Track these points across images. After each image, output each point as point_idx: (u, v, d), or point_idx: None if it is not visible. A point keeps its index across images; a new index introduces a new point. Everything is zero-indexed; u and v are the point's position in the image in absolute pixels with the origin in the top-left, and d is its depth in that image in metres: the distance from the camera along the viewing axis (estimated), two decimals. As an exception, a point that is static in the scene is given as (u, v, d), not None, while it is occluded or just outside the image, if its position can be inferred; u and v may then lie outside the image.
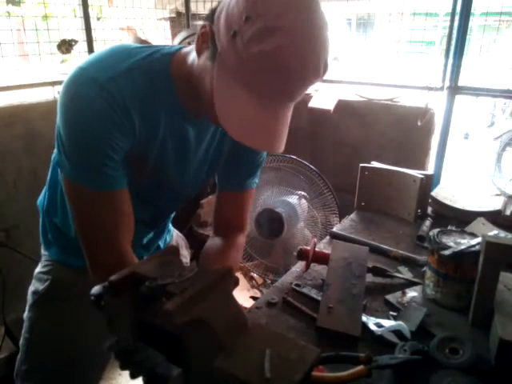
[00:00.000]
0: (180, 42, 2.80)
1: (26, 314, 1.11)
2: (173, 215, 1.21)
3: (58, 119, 0.79)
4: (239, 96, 0.70)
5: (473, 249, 1.01)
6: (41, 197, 1.14)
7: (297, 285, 1.11)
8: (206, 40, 0.73)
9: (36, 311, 1.08)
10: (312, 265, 1.19)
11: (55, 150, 0.88)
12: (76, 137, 0.77)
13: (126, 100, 0.76)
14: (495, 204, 1.54)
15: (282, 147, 0.76)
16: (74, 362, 1.07)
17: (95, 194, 0.80)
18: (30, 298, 1.09)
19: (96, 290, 0.71)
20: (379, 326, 0.94)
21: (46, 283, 1.06)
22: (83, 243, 0.85)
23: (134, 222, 0.88)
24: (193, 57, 0.80)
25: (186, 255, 1.36)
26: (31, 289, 1.10)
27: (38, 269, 1.11)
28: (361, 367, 0.76)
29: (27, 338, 1.09)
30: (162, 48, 0.84)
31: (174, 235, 1.33)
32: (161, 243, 1.23)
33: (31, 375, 1.10)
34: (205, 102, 0.76)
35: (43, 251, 1.11)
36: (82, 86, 0.76)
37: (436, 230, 1.10)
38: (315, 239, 1.25)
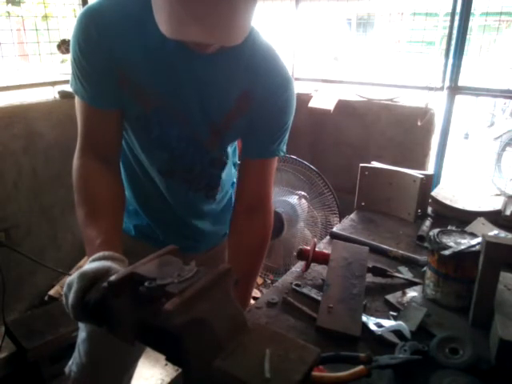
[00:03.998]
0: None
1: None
2: (220, 185, 1.11)
3: None
4: None
5: (473, 249, 1.01)
6: None
7: (297, 285, 1.11)
8: None
9: None
10: (312, 265, 1.19)
11: None
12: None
13: (126, 22, 0.83)
14: (495, 204, 1.54)
15: (232, 37, 0.72)
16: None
17: (80, 103, 0.91)
18: None
19: (96, 292, 0.71)
20: (379, 325, 0.94)
21: None
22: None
23: (111, 142, 0.95)
24: None
25: None
26: None
27: None
28: (361, 367, 0.76)
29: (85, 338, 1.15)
30: None
31: None
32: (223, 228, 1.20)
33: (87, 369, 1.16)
34: None
35: None
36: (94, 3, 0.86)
37: (436, 230, 1.10)
38: (315, 239, 1.25)
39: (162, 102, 0.91)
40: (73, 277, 0.72)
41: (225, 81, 0.93)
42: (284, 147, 1.07)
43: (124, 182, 1.03)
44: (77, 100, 0.92)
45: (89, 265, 0.74)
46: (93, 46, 0.84)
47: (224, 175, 1.10)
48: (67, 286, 0.72)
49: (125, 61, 0.86)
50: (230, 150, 1.09)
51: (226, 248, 1.18)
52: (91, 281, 0.71)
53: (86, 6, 0.87)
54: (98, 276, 0.71)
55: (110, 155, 0.95)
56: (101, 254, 0.76)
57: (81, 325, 1.16)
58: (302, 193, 2.27)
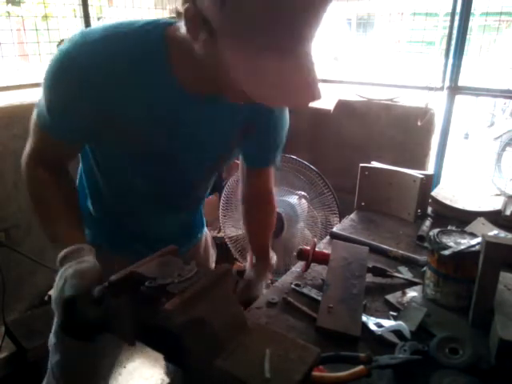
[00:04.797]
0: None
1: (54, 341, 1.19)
2: (202, 199, 1.19)
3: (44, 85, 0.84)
4: (256, 60, 0.63)
5: (473, 249, 1.01)
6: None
7: (297, 285, 1.11)
8: (195, 23, 0.67)
9: None
10: (312, 265, 1.19)
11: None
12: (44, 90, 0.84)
13: (109, 71, 0.77)
14: (495, 204, 1.54)
15: (319, 93, 0.68)
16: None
17: (41, 132, 0.88)
18: None
19: (95, 292, 0.71)
20: (379, 325, 0.94)
21: None
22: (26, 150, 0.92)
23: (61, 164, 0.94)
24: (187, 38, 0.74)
25: (212, 254, 1.37)
26: None
27: None
28: (361, 367, 0.76)
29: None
30: (153, 21, 0.81)
31: (207, 231, 1.34)
32: (196, 230, 1.24)
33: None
34: (221, 83, 0.73)
35: None
36: (73, 49, 0.79)
37: (436, 230, 1.10)
38: (315, 239, 1.25)
39: (157, 147, 0.89)
40: (69, 272, 0.75)
41: (227, 118, 0.93)
42: (280, 155, 1.14)
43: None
44: (35, 120, 0.88)
45: (78, 264, 0.77)
46: (75, 95, 0.80)
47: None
48: (62, 279, 0.75)
49: (116, 111, 0.82)
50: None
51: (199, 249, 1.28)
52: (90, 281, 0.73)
53: (72, 53, 0.78)
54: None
55: (62, 168, 0.95)
56: (77, 247, 0.82)
57: (53, 347, 1.19)
58: (302, 193, 2.27)
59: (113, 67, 0.78)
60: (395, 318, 0.98)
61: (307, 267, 1.18)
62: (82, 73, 0.77)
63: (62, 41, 2.30)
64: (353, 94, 2.61)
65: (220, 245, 2.49)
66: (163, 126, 0.86)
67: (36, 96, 2.40)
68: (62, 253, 0.82)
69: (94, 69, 0.77)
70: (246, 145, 1.04)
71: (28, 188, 0.92)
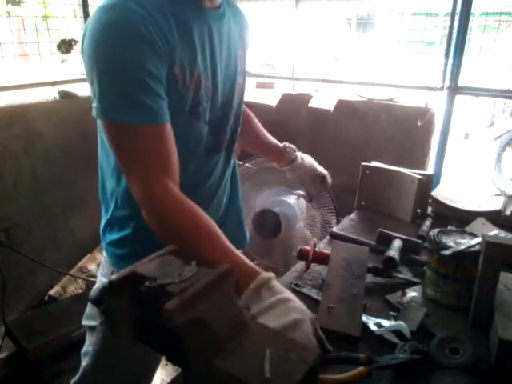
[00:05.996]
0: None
1: (94, 325, 1.09)
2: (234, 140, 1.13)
3: (88, 61, 0.78)
4: None
5: (473, 249, 1.01)
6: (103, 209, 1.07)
7: (297, 285, 1.11)
8: None
9: None
10: (312, 265, 1.19)
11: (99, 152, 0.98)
12: (109, 69, 0.75)
13: (150, 12, 0.78)
14: (495, 204, 1.54)
15: None
16: (138, 376, 1.11)
17: (135, 128, 0.76)
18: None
19: (94, 293, 0.71)
20: (379, 325, 0.94)
21: None
22: (131, 183, 0.79)
23: (178, 162, 0.83)
24: None
25: None
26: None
27: (105, 269, 1.09)
28: (361, 368, 0.76)
29: (98, 350, 1.09)
30: None
31: None
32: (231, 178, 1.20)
33: None
34: None
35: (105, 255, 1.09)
36: (107, 17, 0.76)
37: (436, 230, 1.10)
38: (315, 239, 1.25)
39: (206, 76, 0.91)
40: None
41: (233, 32, 1.01)
42: None
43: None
44: (120, 128, 0.77)
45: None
46: (147, 51, 0.75)
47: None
48: None
49: (175, 49, 0.82)
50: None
51: None
52: None
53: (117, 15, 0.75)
54: None
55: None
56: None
57: (90, 338, 1.12)
58: (301, 192, 2.27)
59: (157, 4, 0.80)
60: (395, 318, 0.98)
61: (307, 267, 1.18)
62: (137, 26, 0.75)
63: (62, 41, 2.29)
64: (353, 94, 2.61)
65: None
66: (195, 44, 0.88)
67: (36, 96, 2.40)
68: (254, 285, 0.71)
69: (143, 16, 0.76)
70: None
71: (176, 218, 0.77)
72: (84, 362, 1.13)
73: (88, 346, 1.12)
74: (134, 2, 0.77)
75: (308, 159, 1.43)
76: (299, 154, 1.42)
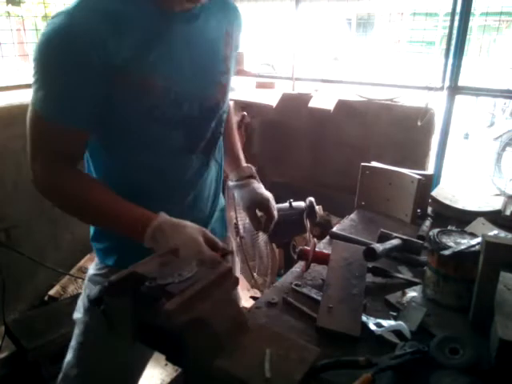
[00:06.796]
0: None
1: (79, 317, 1.09)
2: (217, 147, 1.13)
3: (33, 60, 0.84)
4: None
5: (473, 249, 1.01)
6: None
7: (297, 285, 1.11)
8: None
9: (92, 316, 1.05)
10: (312, 265, 1.19)
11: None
12: (43, 75, 0.84)
13: (94, 22, 0.81)
14: (495, 204, 1.54)
15: None
16: (124, 370, 1.08)
17: (51, 123, 0.85)
18: (85, 301, 1.07)
19: (95, 293, 0.71)
20: (379, 325, 0.93)
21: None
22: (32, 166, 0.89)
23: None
24: None
25: (237, 261, 1.37)
26: (87, 291, 1.09)
27: (93, 271, 1.10)
28: (367, 376, 0.76)
29: (81, 343, 1.08)
30: None
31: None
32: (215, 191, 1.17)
33: (82, 380, 1.08)
34: None
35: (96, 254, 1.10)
36: (48, 29, 0.82)
37: (436, 230, 1.10)
38: (315, 239, 1.25)
39: (167, 80, 0.91)
40: None
41: (212, 31, 0.98)
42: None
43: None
44: (35, 117, 0.87)
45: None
46: (80, 62, 0.82)
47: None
48: None
49: (120, 56, 0.85)
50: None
51: None
52: None
53: (57, 27, 0.81)
54: None
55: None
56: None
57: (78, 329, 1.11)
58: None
59: (103, 9, 0.83)
60: (395, 318, 0.98)
61: (307, 267, 1.18)
62: (73, 41, 0.80)
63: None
64: (353, 94, 2.61)
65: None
66: (159, 51, 0.89)
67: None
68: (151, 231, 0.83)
69: (83, 29, 0.81)
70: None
71: (64, 193, 0.90)
72: (67, 357, 1.10)
73: (72, 340, 1.10)
74: (83, 11, 0.82)
75: (258, 187, 1.20)
76: (255, 181, 1.22)
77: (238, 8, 1.11)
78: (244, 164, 1.23)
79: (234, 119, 1.31)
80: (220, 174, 1.18)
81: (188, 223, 0.87)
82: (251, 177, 1.20)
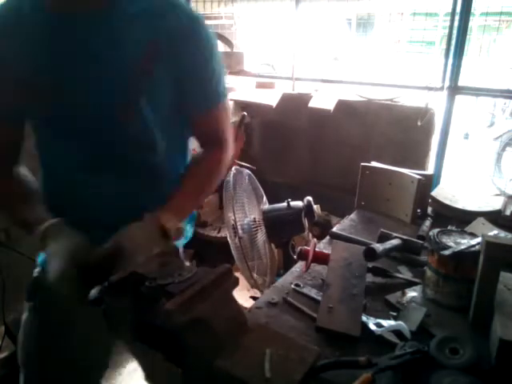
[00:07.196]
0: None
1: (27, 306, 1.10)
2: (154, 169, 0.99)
3: None
4: None
5: (473, 249, 1.01)
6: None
7: (297, 285, 1.11)
8: None
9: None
10: (312, 265, 1.19)
11: None
12: None
13: None
14: (495, 204, 1.54)
15: None
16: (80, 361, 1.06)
17: None
18: None
19: (95, 292, 0.71)
20: (379, 325, 0.93)
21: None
22: None
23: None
24: None
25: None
26: None
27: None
28: (367, 376, 0.76)
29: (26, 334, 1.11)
30: None
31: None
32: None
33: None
34: None
35: None
36: None
37: (436, 230, 1.10)
38: (315, 239, 1.25)
39: (59, 90, 0.86)
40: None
41: (119, 38, 0.85)
42: (226, 89, 1.00)
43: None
44: None
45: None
46: None
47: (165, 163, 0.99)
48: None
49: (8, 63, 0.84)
50: (160, 133, 0.95)
51: None
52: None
53: None
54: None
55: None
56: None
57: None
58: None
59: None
60: (395, 318, 0.98)
61: (307, 267, 1.18)
62: None
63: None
64: (353, 94, 2.61)
65: (220, 245, 2.49)
66: (50, 59, 0.84)
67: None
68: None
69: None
70: (166, 90, 0.91)
71: None
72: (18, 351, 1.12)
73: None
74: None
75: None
76: None
77: (183, 16, 0.90)
78: (175, 219, 0.92)
79: (216, 167, 1.05)
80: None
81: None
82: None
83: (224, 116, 1.04)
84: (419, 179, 1.47)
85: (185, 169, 1.05)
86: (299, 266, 1.22)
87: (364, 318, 0.95)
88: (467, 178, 3.76)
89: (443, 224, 1.39)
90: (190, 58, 0.92)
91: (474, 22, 3.13)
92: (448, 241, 1.05)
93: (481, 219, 1.43)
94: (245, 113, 2.61)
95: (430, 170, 2.35)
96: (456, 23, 2.16)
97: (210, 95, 0.98)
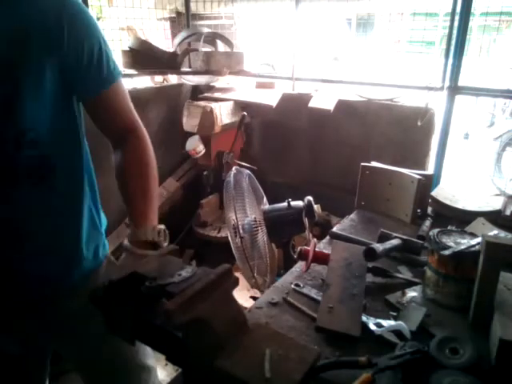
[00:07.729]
0: (180, 42, 2.80)
1: None
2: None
3: None
4: None
5: (473, 249, 1.01)
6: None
7: (297, 285, 1.11)
8: None
9: None
10: (312, 265, 1.19)
11: None
12: None
13: None
14: (495, 204, 1.54)
15: None
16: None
17: None
18: None
19: (96, 291, 0.71)
20: (379, 325, 0.94)
21: None
22: None
23: None
24: None
25: None
26: None
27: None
28: (367, 375, 0.76)
29: None
30: None
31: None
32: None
33: None
34: None
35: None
36: None
37: (436, 230, 1.10)
38: (315, 239, 1.25)
39: None
40: None
41: None
42: (117, 68, 0.93)
43: None
44: None
45: None
46: None
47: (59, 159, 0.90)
48: None
49: None
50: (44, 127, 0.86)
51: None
52: None
53: None
54: None
55: None
56: None
57: None
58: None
59: None
60: (395, 318, 0.98)
61: (307, 267, 1.18)
62: None
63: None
64: (353, 94, 2.61)
65: (220, 245, 2.49)
66: None
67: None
68: None
69: None
70: (46, 75, 0.82)
71: None
72: None
73: None
74: None
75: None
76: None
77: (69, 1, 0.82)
78: (148, 225, 0.89)
79: (150, 162, 0.98)
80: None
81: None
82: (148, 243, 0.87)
83: (122, 96, 0.96)
84: (419, 179, 1.47)
85: (117, 177, 0.97)
86: (299, 266, 1.22)
87: (364, 318, 0.95)
88: (467, 178, 3.76)
89: (443, 224, 1.39)
90: (71, 43, 0.83)
91: (473, 22, 3.13)
92: (448, 241, 1.05)
93: (481, 219, 1.43)
94: (245, 113, 2.61)
95: (429, 170, 2.35)
96: (456, 23, 2.16)
97: (103, 76, 0.90)
